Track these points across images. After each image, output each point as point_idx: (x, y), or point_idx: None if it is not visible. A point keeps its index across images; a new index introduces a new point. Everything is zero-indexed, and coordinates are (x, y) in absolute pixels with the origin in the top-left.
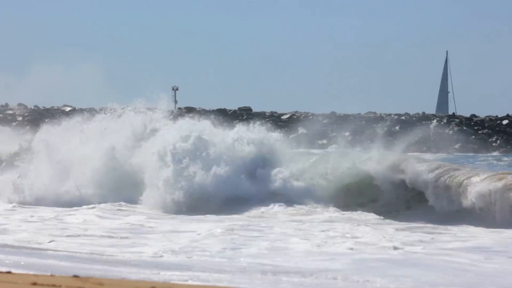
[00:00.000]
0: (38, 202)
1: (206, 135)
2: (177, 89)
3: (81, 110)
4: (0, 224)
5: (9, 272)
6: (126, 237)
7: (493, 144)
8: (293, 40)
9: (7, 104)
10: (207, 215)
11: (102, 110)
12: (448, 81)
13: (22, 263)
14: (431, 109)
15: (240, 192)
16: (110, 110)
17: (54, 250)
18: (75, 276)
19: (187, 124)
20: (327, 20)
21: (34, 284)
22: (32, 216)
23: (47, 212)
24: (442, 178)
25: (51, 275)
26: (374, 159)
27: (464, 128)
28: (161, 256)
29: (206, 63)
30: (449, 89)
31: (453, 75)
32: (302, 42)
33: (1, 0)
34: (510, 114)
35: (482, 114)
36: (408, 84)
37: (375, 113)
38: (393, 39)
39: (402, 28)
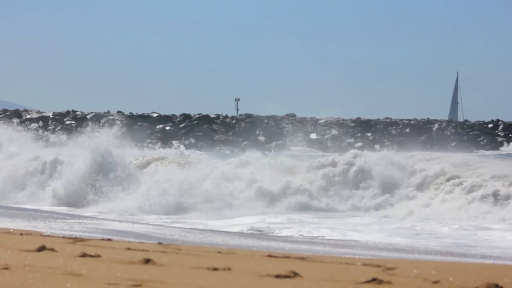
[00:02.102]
0: None
1: None
2: (238, 100)
3: (166, 116)
4: None
5: (109, 239)
6: None
7: (481, 142)
8: (327, 61)
9: (109, 111)
10: None
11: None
12: (458, 95)
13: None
14: (444, 116)
15: None
16: None
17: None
18: (159, 243)
19: None
20: (354, 40)
21: (128, 249)
22: None
23: None
24: None
25: (141, 242)
26: None
27: (459, 130)
28: None
29: (261, 79)
30: (459, 100)
31: (462, 88)
32: (337, 65)
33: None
34: (494, 119)
35: (487, 118)
36: (421, 95)
37: (390, 118)
38: (411, 59)
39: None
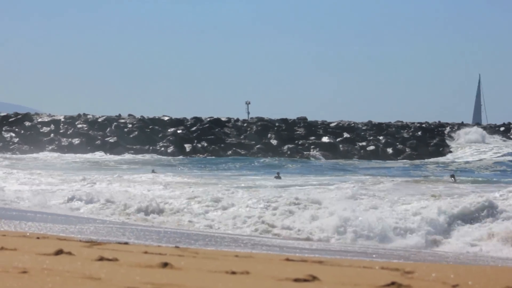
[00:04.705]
0: None
1: None
2: (249, 103)
3: (177, 119)
4: None
5: (126, 243)
6: None
7: None
8: (342, 65)
9: (120, 115)
10: None
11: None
12: (481, 97)
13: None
14: (468, 119)
15: None
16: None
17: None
18: (177, 247)
19: None
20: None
21: (145, 252)
22: None
23: None
24: None
25: (159, 246)
26: None
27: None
28: None
29: (271, 83)
30: (482, 103)
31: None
32: (351, 68)
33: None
34: (505, 122)
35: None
36: (445, 97)
37: (402, 121)
38: (433, 61)
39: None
